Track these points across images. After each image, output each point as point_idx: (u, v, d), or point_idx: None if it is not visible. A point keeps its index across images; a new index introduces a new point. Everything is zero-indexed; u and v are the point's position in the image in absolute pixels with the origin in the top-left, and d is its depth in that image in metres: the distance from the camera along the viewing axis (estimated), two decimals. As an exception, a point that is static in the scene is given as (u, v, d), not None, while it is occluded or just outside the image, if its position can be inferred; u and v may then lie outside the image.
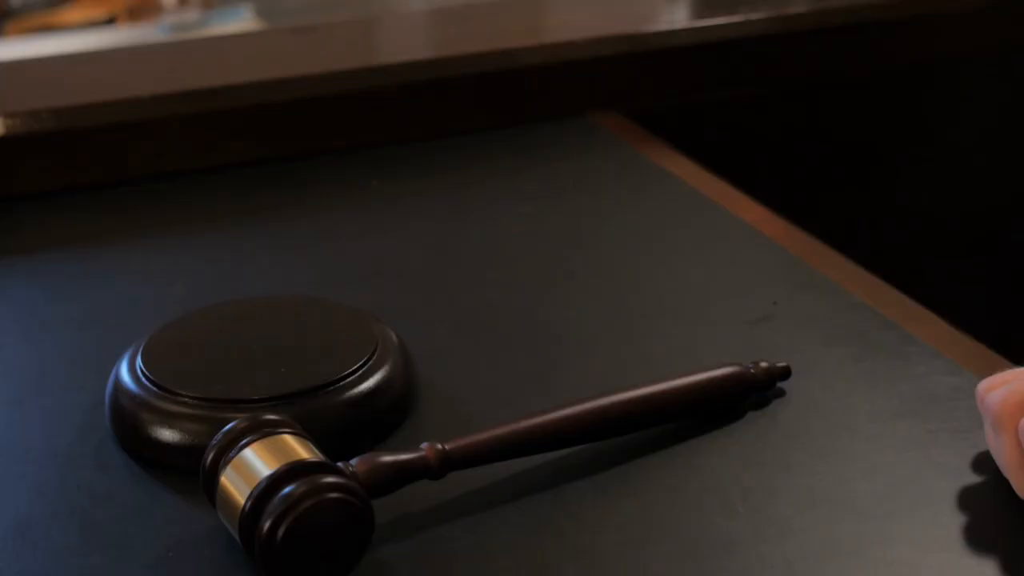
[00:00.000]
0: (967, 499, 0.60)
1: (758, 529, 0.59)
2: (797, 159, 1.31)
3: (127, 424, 0.66)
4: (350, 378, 0.66)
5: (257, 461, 0.57)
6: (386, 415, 0.67)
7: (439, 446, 0.60)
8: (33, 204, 1.00)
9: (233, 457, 0.58)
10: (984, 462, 0.63)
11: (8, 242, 0.94)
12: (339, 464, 0.57)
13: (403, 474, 0.59)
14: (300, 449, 0.58)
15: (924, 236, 1.35)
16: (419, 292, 0.84)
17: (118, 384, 0.67)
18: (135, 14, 2.95)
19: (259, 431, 0.58)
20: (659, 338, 0.77)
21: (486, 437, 0.61)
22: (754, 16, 1.22)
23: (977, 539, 0.57)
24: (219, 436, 0.59)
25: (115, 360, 0.70)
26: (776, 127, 1.29)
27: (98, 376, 0.70)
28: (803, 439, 0.66)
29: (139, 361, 0.67)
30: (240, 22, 2.72)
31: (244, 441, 0.58)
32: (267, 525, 0.54)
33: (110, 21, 2.95)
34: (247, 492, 0.55)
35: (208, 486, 0.59)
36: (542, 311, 0.80)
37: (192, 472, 0.63)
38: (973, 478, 0.62)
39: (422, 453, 0.60)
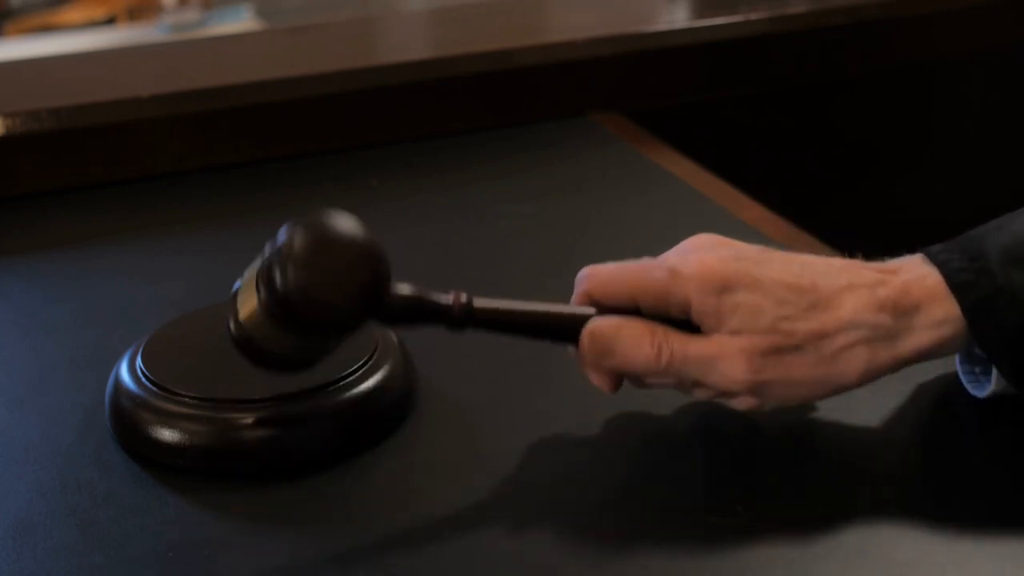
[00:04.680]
0: (967, 499, 0.60)
1: (758, 529, 0.59)
2: (797, 159, 1.31)
3: (127, 424, 0.66)
4: (350, 378, 0.66)
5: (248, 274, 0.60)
6: (386, 415, 0.67)
7: (463, 299, 0.62)
8: (33, 204, 1.00)
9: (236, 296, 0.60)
10: (984, 461, 0.63)
11: (8, 242, 0.94)
12: None
13: (425, 306, 0.61)
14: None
15: (924, 236, 1.35)
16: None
17: (118, 384, 0.67)
18: (135, 14, 2.95)
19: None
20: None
21: (509, 308, 0.63)
22: (754, 16, 1.22)
23: (977, 539, 0.57)
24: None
25: (115, 360, 0.70)
26: (776, 127, 1.29)
27: (98, 376, 0.71)
28: (802, 438, 0.66)
29: (139, 361, 0.67)
30: (240, 22, 2.72)
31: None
32: (277, 274, 0.56)
33: (110, 21, 2.95)
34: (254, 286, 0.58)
35: (248, 346, 0.60)
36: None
37: (192, 472, 0.63)
38: (973, 477, 0.62)
39: (449, 298, 0.61)
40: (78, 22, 2.92)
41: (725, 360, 0.61)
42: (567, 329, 0.64)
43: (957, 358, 0.68)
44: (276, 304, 0.57)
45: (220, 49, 1.33)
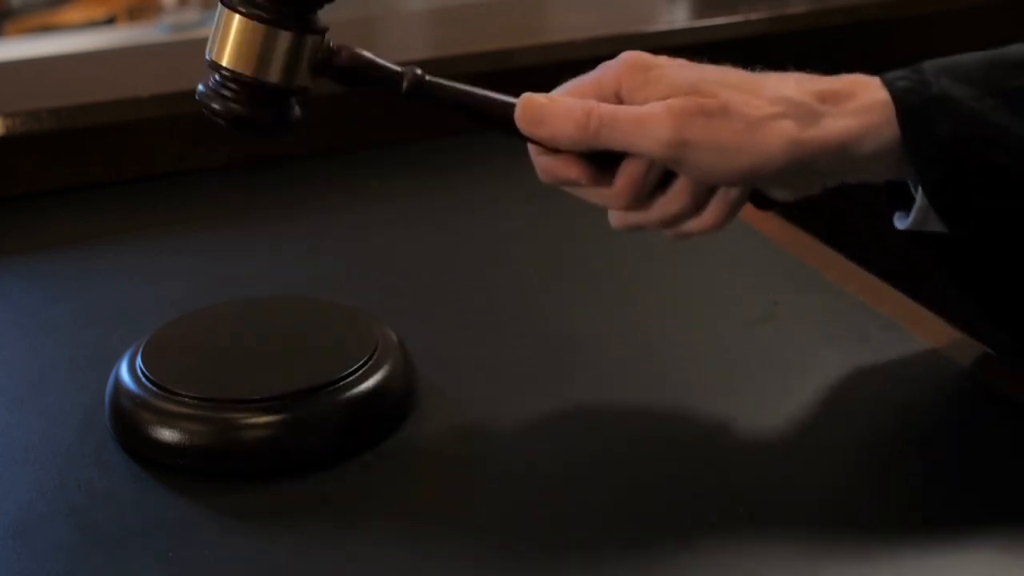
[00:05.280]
0: (968, 498, 0.60)
1: (758, 529, 0.59)
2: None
3: (127, 424, 0.66)
4: (350, 378, 0.66)
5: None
6: (386, 415, 0.67)
7: (418, 71, 0.65)
8: (33, 204, 1.00)
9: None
10: (985, 461, 0.63)
11: (8, 242, 0.94)
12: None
13: (375, 72, 0.65)
14: None
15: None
16: (419, 292, 0.84)
17: (118, 384, 0.67)
18: (135, 14, 2.95)
19: None
20: (659, 337, 0.77)
21: (459, 87, 0.66)
22: (754, 16, 1.22)
23: (978, 538, 0.57)
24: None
25: (115, 360, 0.70)
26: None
27: (98, 376, 0.70)
28: (802, 438, 0.66)
29: (139, 361, 0.67)
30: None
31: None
32: None
33: (110, 21, 2.95)
34: None
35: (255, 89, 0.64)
36: (542, 311, 0.80)
37: (192, 472, 0.63)
38: (974, 477, 0.62)
39: (402, 69, 0.65)
40: (78, 22, 2.92)
41: (651, 120, 0.61)
42: (508, 107, 0.66)
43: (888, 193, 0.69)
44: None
45: None
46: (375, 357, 0.68)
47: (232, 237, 0.95)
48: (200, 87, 0.65)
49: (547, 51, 1.16)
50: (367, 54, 0.65)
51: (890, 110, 0.62)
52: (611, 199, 0.65)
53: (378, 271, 0.87)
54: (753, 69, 0.65)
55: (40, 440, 0.67)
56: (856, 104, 0.62)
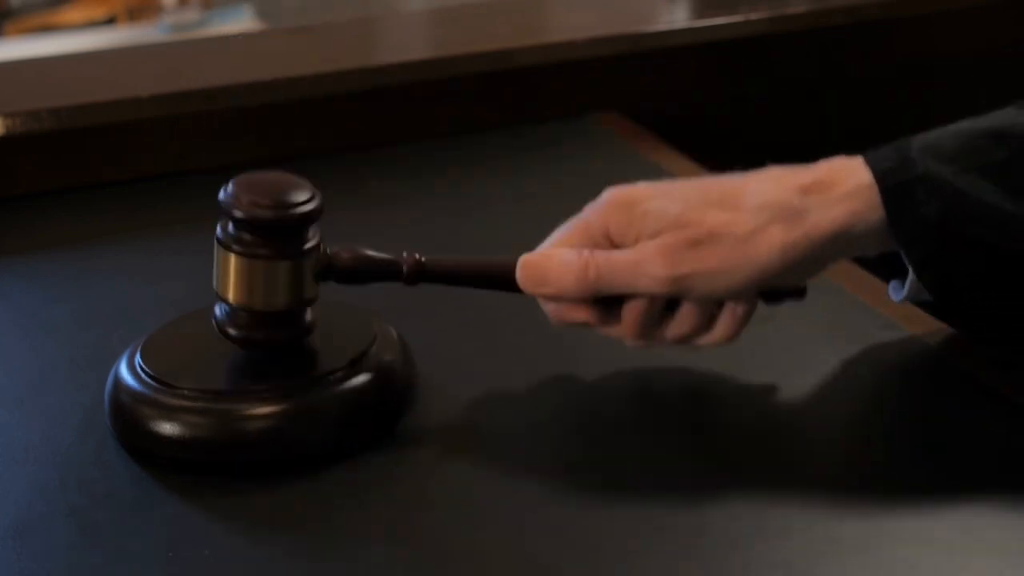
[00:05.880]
0: (968, 498, 0.60)
1: (758, 529, 0.59)
2: (797, 159, 1.31)
3: (126, 420, 0.66)
4: (350, 372, 0.66)
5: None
6: (386, 411, 0.67)
7: (417, 256, 0.67)
8: (33, 204, 1.00)
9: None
10: (986, 460, 0.63)
11: (8, 242, 0.94)
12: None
13: (376, 267, 0.67)
14: None
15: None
16: (419, 291, 0.84)
17: (117, 380, 0.67)
18: (135, 14, 2.95)
19: None
20: (659, 338, 0.76)
21: (455, 262, 0.68)
22: (754, 16, 1.22)
23: (978, 537, 0.57)
24: None
25: (114, 360, 0.70)
26: (776, 127, 1.29)
27: (98, 376, 0.70)
28: (803, 438, 0.66)
29: (138, 357, 0.67)
30: (240, 22, 2.72)
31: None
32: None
33: (110, 21, 2.94)
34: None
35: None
36: (542, 311, 0.80)
37: (192, 469, 0.63)
38: (974, 477, 0.62)
39: (398, 258, 0.67)
40: (78, 22, 2.92)
41: (645, 262, 0.63)
42: (509, 271, 0.67)
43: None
44: (249, 232, 0.63)
45: (220, 49, 1.33)
46: (375, 352, 0.68)
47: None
48: (216, 311, 0.67)
49: (547, 51, 1.16)
50: (364, 252, 0.67)
51: (874, 192, 0.62)
52: (622, 333, 0.67)
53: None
54: (733, 170, 0.66)
55: (40, 440, 0.67)
56: (840, 191, 0.63)
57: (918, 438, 0.65)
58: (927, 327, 0.76)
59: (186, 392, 0.64)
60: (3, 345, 0.79)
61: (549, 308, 0.68)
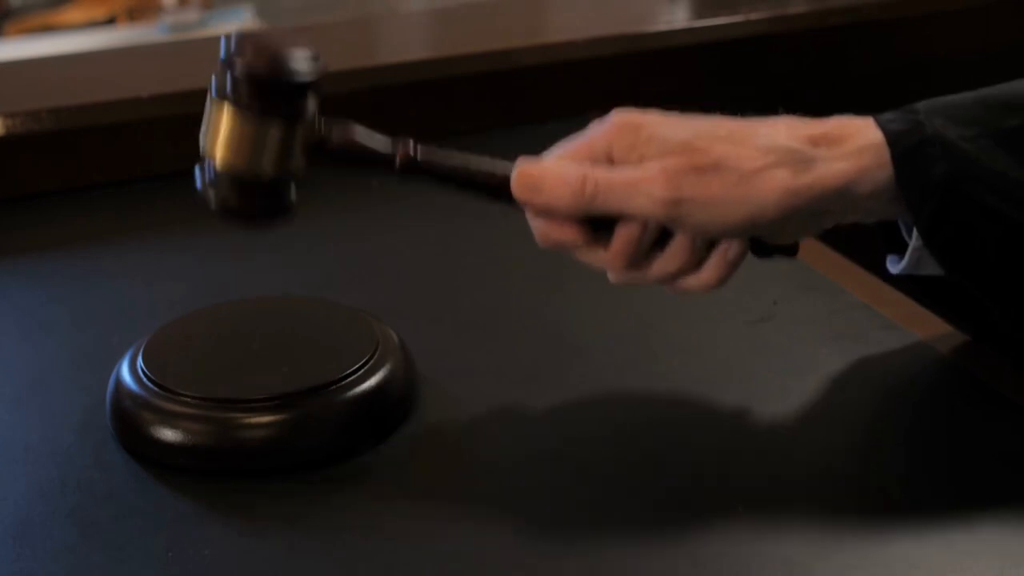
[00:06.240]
0: (967, 498, 0.60)
1: (758, 529, 0.59)
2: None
3: (128, 424, 0.66)
4: (350, 378, 0.66)
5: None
6: (386, 415, 0.67)
7: (411, 151, 0.65)
8: (33, 204, 1.00)
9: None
10: (985, 460, 0.63)
11: (8, 242, 0.94)
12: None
13: (369, 154, 0.65)
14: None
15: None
16: (419, 292, 0.84)
17: (119, 384, 0.67)
18: (135, 14, 2.95)
19: None
20: (659, 337, 0.77)
21: (450, 162, 0.66)
22: (754, 16, 1.22)
23: (977, 537, 0.57)
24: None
25: (115, 360, 0.70)
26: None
27: (98, 376, 0.70)
28: (803, 438, 0.66)
29: (140, 361, 0.67)
30: (240, 22, 2.72)
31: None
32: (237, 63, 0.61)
33: (110, 21, 2.94)
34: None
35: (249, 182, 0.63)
36: (542, 311, 0.80)
37: (192, 472, 0.63)
38: (974, 476, 0.62)
39: (394, 151, 0.65)
40: (78, 22, 2.92)
41: (645, 181, 0.62)
42: (504, 179, 0.65)
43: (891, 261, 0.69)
44: (245, 86, 0.62)
45: (220, 49, 1.33)
46: (375, 357, 0.68)
47: (232, 237, 0.94)
48: (196, 176, 0.65)
49: (547, 51, 1.16)
50: (358, 136, 0.66)
51: (884, 151, 0.62)
52: (608, 261, 0.65)
53: (378, 271, 0.87)
54: (744, 115, 0.65)
55: (40, 440, 0.67)
56: (849, 146, 0.62)
57: (918, 438, 0.65)
58: (927, 327, 0.76)
59: (188, 399, 0.64)
60: (3, 345, 0.79)
61: (537, 225, 0.66)
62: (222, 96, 0.62)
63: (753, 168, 0.61)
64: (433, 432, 0.67)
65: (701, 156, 0.61)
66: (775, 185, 0.61)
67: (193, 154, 1.05)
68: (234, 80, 0.62)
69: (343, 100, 1.09)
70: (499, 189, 0.65)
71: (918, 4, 1.29)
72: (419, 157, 0.65)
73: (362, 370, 0.67)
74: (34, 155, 1.01)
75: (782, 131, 0.62)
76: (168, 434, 0.64)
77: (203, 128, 0.64)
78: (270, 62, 0.62)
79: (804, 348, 0.74)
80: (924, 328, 0.76)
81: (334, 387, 0.65)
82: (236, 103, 0.62)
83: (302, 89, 0.63)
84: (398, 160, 0.65)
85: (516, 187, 0.64)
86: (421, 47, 1.28)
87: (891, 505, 0.60)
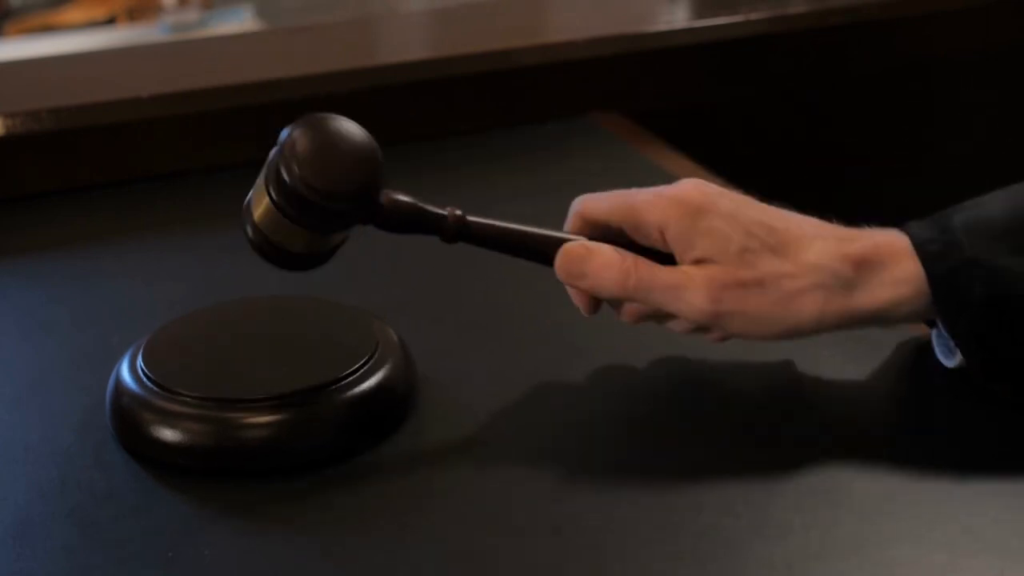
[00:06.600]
0: (967, 498, 0.60)
1: (758, 529, 0.59)
2: (797, 159, 1.31)
3: (128, 423, 0.66)
4: (351, 378, 0.66)
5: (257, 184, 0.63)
6: (386, 415, 0.67)
7: (458, 212, 0.65)
8: (33, 204, 1.00)
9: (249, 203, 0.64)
10: (985, 460, 0.63)
11: (8, 242, 0.94)
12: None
13: (421, 218, 0.64)
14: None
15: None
16: (419, 292, 0.84)
17: (119, 383, 0.67)
18: (135, 14, 2.95)
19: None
20: (660, 337, 0.76)
21: (501, 226, 0.67)
22: (754, 16, 1.22)
23: (977, 538, 0.57)
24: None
25: (115, 360, 0.70)
26: (776, 127, 1.29)
27: (98, 376, 0.70)
28: (802, 438, 0.66)
29: (140, 360, 0.67)
30: (240, 22, 2.72)
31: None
32: (283, 171, 0.60)
33: (110, 21, 2.94)
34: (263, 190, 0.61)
35: (268, 251, 0.64)
36: (542, 311, 0.80)
37: (192, 472, 0.63)
38: (973, 477, 0.62)
39: (444, 212, 0.65)
40: (78, 22, 2.92)
41: (688, 289, 0.63)
42: (550, 250, 0.67)
43: (933, 333, 0.69)
44: (285, 199, 0.61)
45: (220, 49, 1.33)
46: (375, 357, 0.68)
47: (232, 237, 0.94)
48: (244, 213, 0.65)
49: (547, 51, 1.16)
50: (408, 199, 0.64)
51: (922, 281, 0.63)
52: (623, 316, 0.69)
53: (379, 271, 0.87)
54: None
55: (40, 440, 0.67)
56: (888, 276, 0.63)
57: (918, 438, 0.65)
58: (927, 328, 0.76)
59: (188, 399, 0.64)
60: (3, 345, 0.79)
61: (575, 293, 0.69)
62: (267, 186, 0.62)
63: (795, 289, 0.63)
64: (433, 432, 0.67)
65: (747, 272, 0.63)
66: (813, 308, 0.63)
67: (193, 154, 1.06)
68: (280, 183, 0.61)
69: (343, 100, 1.09)
70: (545, 259, 0.67)
71: (918, 4, 1.29)
72: (469, 222, 0.66)
73: (362, 370, 0.67)
74: (34, 155, 1.01)
75: (830, 248, 0.63)
76: (168, 434, 0.64)
77: (253, 187, 0.64)
78: (322, 190, 0.60)
79: (805, 348, 0.74)
80: (924, 329, 0.76)
81: (334, 387, 0.65)
82: (277, 204, 0.61)
83: (347, 219, 0.63)
84: (449, 223, 0.65)
85: (560, 268, 0.66)
86: (421, 47, 1.28)
87: (891, 505, 0.60)
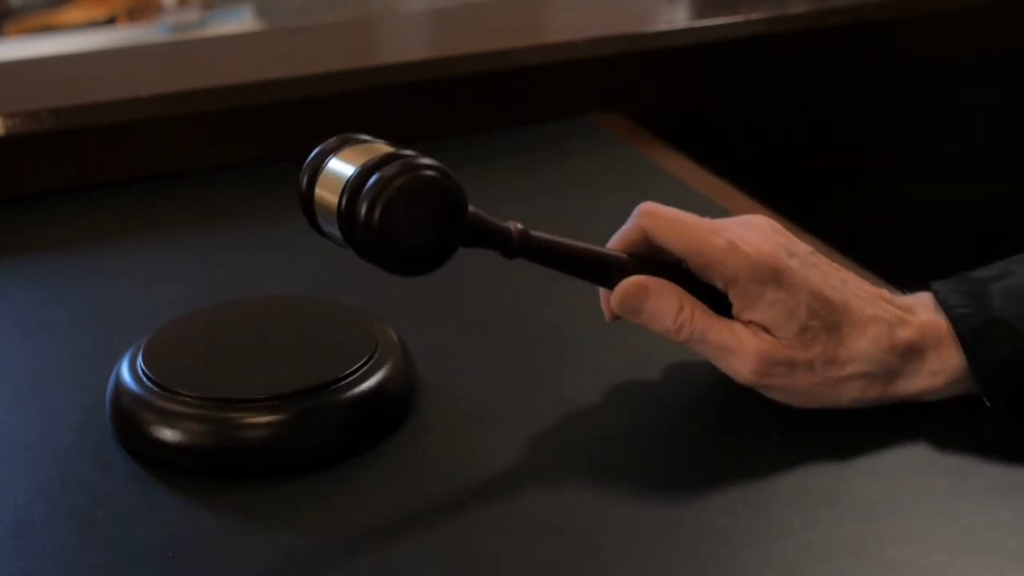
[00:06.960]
0: (967, 498, 0.60)
1: (758, 529, 0.59)
2: (797, 159, 1.31)
3: (128, 423, 0.66)
4: (351, 378, 0.66)
5: (347, 165, 0.59)
6: (386, 415, 0.67)
7: (520, 226, 0.64)
8: (33, 204, 1.00)
9: (324, 168, 0.60)
10: (985, 460, 0.63)
11: (8, 242, 0.94)
12: None
13: (489, 235, 0.63)
14: (388, 147, 0.59)
15: (924, 235, 1.35)
16: (419, 292, 0.84)
17: (119, 383, 0.67)
18: (135, 14, 2.95)
19: (347, 142, 0.60)
20: (660, 337, 0.76)
21: (561, 243, 0.66)
22: (754, 16, 1.22)
23: (977, 538, 0.57)
24: (311, 157, 0.60)
25: (115, 360, 0.70)
26: (776, 127, 1.29)
27: (98, 376, 0.70)
28: (803, 439, 0.66)
29: (140, 360, 0.67)
30: (240, 22, 2.72)
31: (331, 155, 0.60)
32: (364, 208, 0.56)
33: (110, 21, 2.94)
34: (340, 189, 0.57)
35: (307, 210, 0.60)
36: (542, 310, 0.80)
37: (192, 472, 0.63)
38: (973, 477, 0.62)
39: (508, 226, 0.64)
40: (78, 22, 2.92)
41: (739, 356, 0.64)
42: (608, 273, 0.66)
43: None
44: (354, 235, 0.59)
45: (220, 49, 1.33)
46: (375, 357, 0.68)
47: (232, 237, 0.95)
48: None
49: (547, 51, 1.16)
50: (472, 212, 0.63)
51: (965, 371, 0.64)
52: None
53: (378, 271, 0.87)
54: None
55: (40, 440, 0.67)
56: (931, 366, 0.65)
57: (918, 438, 0.65)
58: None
59: (188, 399, 0.64)
60: (3, 345, 0.79)
61: (604, 295, 0.69)
62: (338, 200, 0.59)
63: (842, 376, 0.64)
64: (433, 432, 0.67)
65: (800, 353, 0.63)
66: (855, 393, 0.65)
67: (193, 154, 1.06)
68: (344, 217, 0.58)
69: (343, 100, 1.09)
70: (604, 281, 0.67)
71: (918, 4, 1.29)
72: (532, 237, 0.65)
73: (362, 370, 0.67)
74: (34, 155, 1.02)
75: (882, 336, 0.64)
76: (168, 434, 0.64)
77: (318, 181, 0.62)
78: (386, 252, 0.59)
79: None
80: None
81: (334, 387, 0.65)
82: (342, 229, 0.59)
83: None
84: (514, 238, 0.64)
85: (618, 301, 0.66)
86: (421, 47, 1.28)
87: (891, 505, 0.60)
